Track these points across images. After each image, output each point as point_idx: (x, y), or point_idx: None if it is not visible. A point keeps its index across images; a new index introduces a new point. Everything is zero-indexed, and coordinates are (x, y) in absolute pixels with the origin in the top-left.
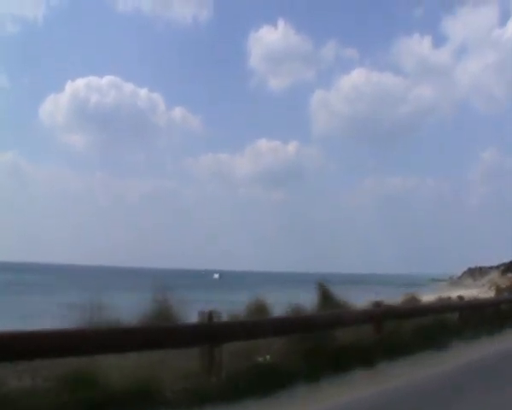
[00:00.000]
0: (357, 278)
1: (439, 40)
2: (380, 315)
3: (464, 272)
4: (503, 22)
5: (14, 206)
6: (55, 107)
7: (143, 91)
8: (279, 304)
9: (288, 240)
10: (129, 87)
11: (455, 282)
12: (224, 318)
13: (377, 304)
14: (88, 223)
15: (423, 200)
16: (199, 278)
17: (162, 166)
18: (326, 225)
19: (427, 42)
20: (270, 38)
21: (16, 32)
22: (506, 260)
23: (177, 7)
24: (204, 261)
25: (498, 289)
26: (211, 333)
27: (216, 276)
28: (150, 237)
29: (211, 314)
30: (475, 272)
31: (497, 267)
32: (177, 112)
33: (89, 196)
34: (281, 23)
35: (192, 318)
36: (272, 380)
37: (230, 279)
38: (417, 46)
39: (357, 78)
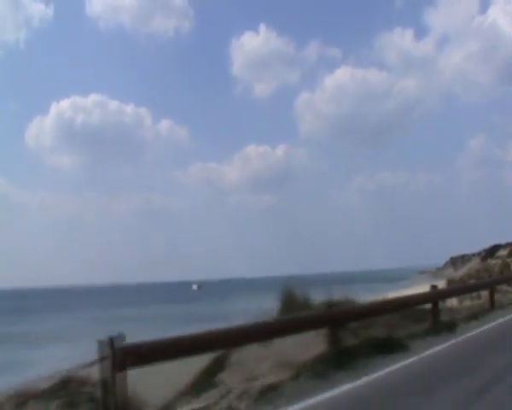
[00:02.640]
0: (347, 277)
1: (421, 32)
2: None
3: (446, 262)
4: (483, 9)
5: (4, 234)
6: (40, 129)
7: (129, 107)
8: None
9: (277, 243)
10: (114, 104)
11: (436, 273)
12: None
13: None
14: (75, 244)
15: (412, 194)
16: (178, 291)
17: (151, 179)
18: (316, 225)
19: (409, 35)
20: (252, 43)
21: None
22: (489, 245)
23: (159, 20)
24: (190, 272)
25: (450, 282)
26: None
27: (194, 287)
28: (138, 251)
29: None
30: (457, 261)
31: (479, 254)
32: (164, 124)
33: (77, 217)
34: (262, 28)
35: None
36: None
37: (211, 289)
38: (400, 40)
39: (341, 76)
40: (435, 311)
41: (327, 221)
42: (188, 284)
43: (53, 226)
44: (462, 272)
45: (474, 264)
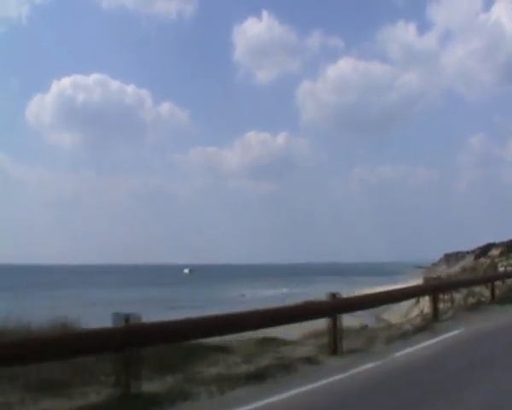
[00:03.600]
0: (343, 268)
1: (424, 27)
2: None
3: (441, 259)
4: (487, 7)
5: (1, 208)
6: (41, 107)
7: (130, 88)
8: None
9: (275, 231)
10: (116, 84)
11: (430, 269)
12: None
13: None
14: (72, 222)
15: (413, 187)
16: (170, 274)
17: (151, 161)
18: (315, 215)
19: (412, 29)
20: (255, 30)
21: (0, 33)
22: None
23: (161, 3)
24: (186, 256)
25: (426, 280)
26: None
27: (186, 271)
28: (136, 233)
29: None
30: (451, 258)
31: (473, 252)
32: (165, 107)
33: (76, 195)
34: (265, 15)
35: None
36: None
37: (203, 274)
38: (403, 33)
39: (343, 67)
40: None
41: (326, 211)
42: (181, 268)
43: (50, 204)
44: (453, 269)
45: (468, 262)
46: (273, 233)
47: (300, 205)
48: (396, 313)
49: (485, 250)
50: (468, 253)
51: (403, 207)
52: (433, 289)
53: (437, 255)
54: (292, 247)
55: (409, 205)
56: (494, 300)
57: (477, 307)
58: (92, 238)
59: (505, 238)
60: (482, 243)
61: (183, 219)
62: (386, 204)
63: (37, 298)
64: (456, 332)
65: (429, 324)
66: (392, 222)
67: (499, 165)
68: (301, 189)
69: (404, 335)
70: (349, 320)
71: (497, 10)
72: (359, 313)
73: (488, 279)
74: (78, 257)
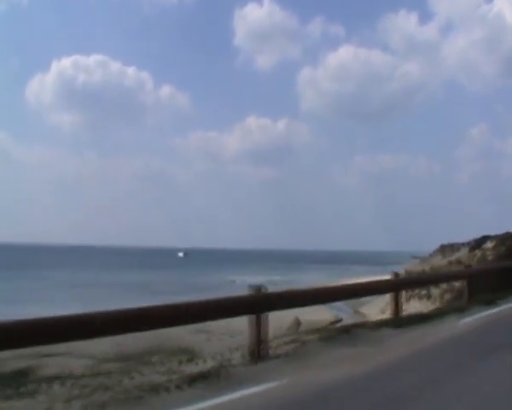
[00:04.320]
0: (341, 256)
1: (425, 16)
2: None
3: (436, 249)
4: None
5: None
6: (41, 87)
7: (131, 70)
8: None
9: (274, 218)
10: (116, 66)
11: (424, 259)
12: None
13: None
14: (72, 202)
15: (413, 177)
16: (164, 257)
17: (151, 144)
18: (315, 202)
19: (413, 18)
20: (255, 15)
21: (1, 12)
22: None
23: None
24: (184, 239)
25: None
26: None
27: (180, 254)
28: (135, 216)
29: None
30: (447, 249)
31: (468, 244)
32: (166, 90)
33: (75, 176)
34: (266, 0)
35: None
36: None
37: (198, 258)
38: (404, 22)
39: (344, 55)
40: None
41: (326, 199)
42: (177, 251)
43: (50, 184)
44: (446, 260)
45: (463, 253)
46: (272, 219)
47: (300, 191)
48: (376, 307)
49: (480, 243)
50: (463, 245)
51: (403, 196)
52: (395, 286)
53: (436, 246)
54: (291, 233)
55: (409, 194)
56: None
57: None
58: (92, 219)
59: (509, 229)
60: (481, 234)
61: (181, 202)
62: (387, 193)
63: (19, 278)
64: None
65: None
66: (392, 211)
67: (499, 157)
68: (301, 175)
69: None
70: (322, 313)
71: (499, 2)
72: (338, 304)
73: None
74: (78, 237)
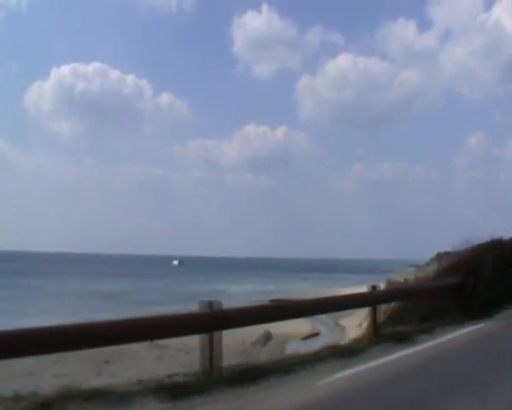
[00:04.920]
0: (336, 265)
1: (424, 25)
2: None
3: (432, 258)
4: (487, 7)
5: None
6: (40, 94)
7: (130, 77)
8: None
9: (272, 226)
10: (115, 73)
11: (420, 267)
12: None
13: None
14: (70, 210)
15: (411, 185)
16: (158, 265)
17: (149, 152)
18: (313, 210)
19: (412, 26)
20: (254, 23)
21: (0, 18)
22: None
23: None
24: (182, 247)
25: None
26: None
27: (175, 262)
28: (134, 224)
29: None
30: (443, 257)
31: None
32: (164, 97)
33: (74, 183)
34: (264, 8)
35: None
36: None
37: (193, 266)
38: (403, 30)
39: (343, 63)
40: None
41: (324, 207)
42: (172, 259)
43: (48, 191)
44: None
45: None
46: (271, 227)
47: (299, 200)
48: (357, 319)
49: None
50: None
51: (402, 203)
52: (372, 300)
53: (434, 254)
54: (290, 242)
55: (408, 201)
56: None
57: None
58: (90, 226)
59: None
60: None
61: (179, 210)
62: (385, 201)
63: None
64: None
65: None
66: (390, 219)
67: (498, 164)
68: (299, 183)
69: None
70: (300, 325)
71: (498, 10)
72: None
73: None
74: (76, 245)
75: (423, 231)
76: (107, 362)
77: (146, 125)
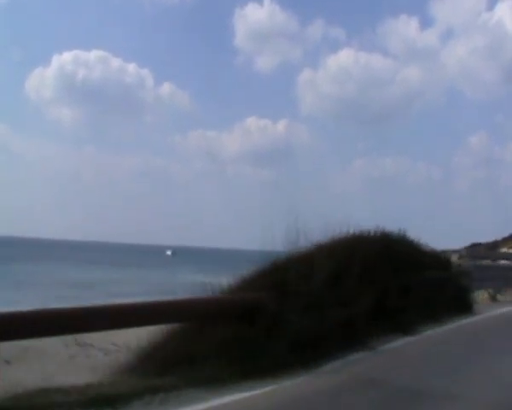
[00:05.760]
0: None
1: (425, 22)
2: None
3: None
4: (490, 6)
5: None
6: (41, 81)
7: (132, 66)
8: None
9: (271, 219)
10: (117, 62)
11: None
12: None
13: None
14: (71, 197)
15: (413, 183)
16: (151, 255)
17: (150, 141)
18: (314, 205)
19: (414, 23)
20: (256, 15)
21: (1, 4)
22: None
23: None
24: (180, 237)
25: None
26: None
27: (168, 253)
28: (133, 213)
29: None
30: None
31: (458, 251)
32: (166, 87)
33: (75, 170)
34: (266, 0)
35: None
36: None
37: (187, 257)
38: (404, 27)
39: (344, 58)
40: None
41: (324, 202)
42: (172, 249)
43: (50, 178)
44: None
45: (454, 260)
46: (270, 220)
47: (298, 194)
48: None
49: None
50: (453, 252)
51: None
52: None
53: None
54: (289, 235)
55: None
56: None
57: None
58: (89, 215)
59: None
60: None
61: (178, 201)
62: (387, 196)
63: None
64: None
65: None
66: (392, 216)
67: (500, 165)
68: (299, 178)
69: None
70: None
71: (501, 10)
72: None
73: None
74: (77, 233)
75: (426, 230)
76: (7, 362)
77: (147, 115)
